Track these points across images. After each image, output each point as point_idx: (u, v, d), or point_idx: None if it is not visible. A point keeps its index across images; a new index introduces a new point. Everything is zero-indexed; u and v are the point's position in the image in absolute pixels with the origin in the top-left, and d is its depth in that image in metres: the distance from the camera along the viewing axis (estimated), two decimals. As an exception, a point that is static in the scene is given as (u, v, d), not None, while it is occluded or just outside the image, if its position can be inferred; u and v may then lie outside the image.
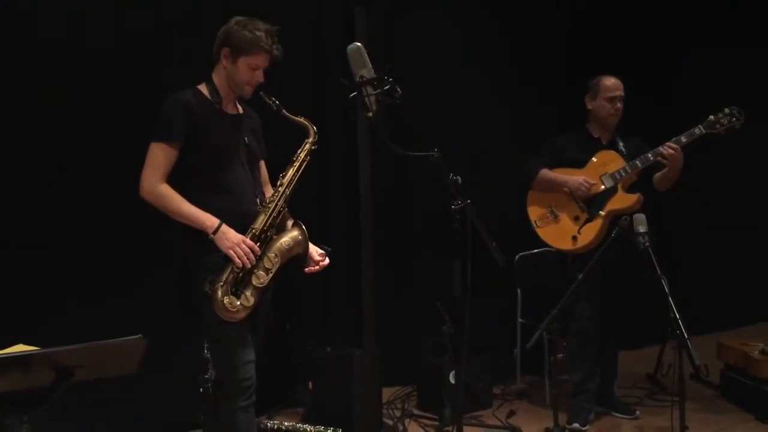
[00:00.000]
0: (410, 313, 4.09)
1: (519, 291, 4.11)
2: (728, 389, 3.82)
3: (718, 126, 3.30)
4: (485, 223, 2.37)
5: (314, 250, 2.57)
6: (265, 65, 2.46)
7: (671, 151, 3.28)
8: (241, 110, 2.58)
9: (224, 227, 2.34)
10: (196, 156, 2.40)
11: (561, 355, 3.62)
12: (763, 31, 5.21)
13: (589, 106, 3.56)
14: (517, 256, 4.12)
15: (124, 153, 3.06)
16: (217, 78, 2.49)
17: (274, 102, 2.50)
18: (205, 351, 2.67)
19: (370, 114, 2.32)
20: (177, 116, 2.38)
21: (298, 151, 2.54)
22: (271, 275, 2.40)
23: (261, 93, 2.50)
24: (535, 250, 4.03)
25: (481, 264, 2.36)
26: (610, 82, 3.50)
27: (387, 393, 3.82)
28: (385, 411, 3.65)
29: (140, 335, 1.74)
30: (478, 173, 3.23)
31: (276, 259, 2.42)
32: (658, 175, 3.45)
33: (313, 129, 2.56)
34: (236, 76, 2.44)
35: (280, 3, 3.70)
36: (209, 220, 2.34)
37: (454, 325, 2.57)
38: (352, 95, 2.33)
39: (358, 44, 2.29)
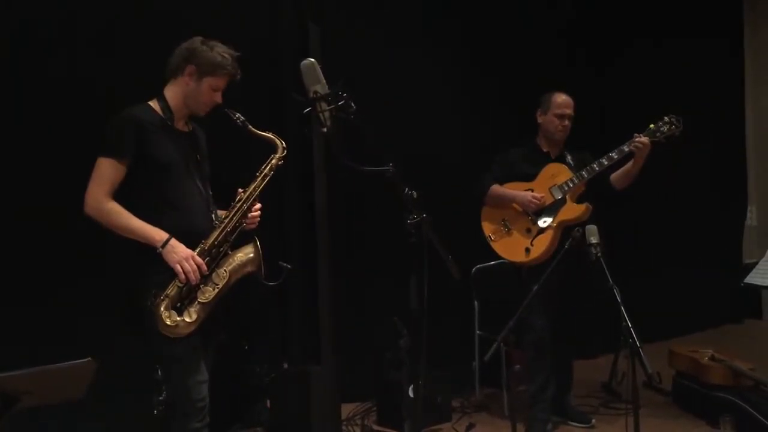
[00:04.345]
0: (368, 328, 4.07)
1: (476, 303, 4.14)
2: (680, 396, 3.91)
3: (658, 134, 3.40)
4: (441, 236, 2.39)
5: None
6: (224, 88, 2.47)
7: (641, 143, 3.33)
8: (190, 128, 2.55)
9: (173, 241, 2.30)
10: (147, 173, 2.36)
11: (518, 366, 3.64)
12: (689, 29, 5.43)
13: (539, 120, 3.63)
14: (473, 269, 4.15)
15: (69, 168, 2.98)
16: (170, 94, 2.47)
17: (239, 119, 2.49)
18: (159, 372, 2.61)
19: (325, 129, 2.32)
20: (127, 132, 2.34)
21: (263, 166, 2.51)
22: (217, 291, 2.36)
23: (226, 110, 2.49)
24: (492, 263, 4.07)
25: (438, 277, 2.37)
26: (561, 99, 3.57)
27: (346, 409, 3.79)
28: (344, 427, 3.62)
29: (89, 358, 1.69)
30: (433, 186, 3.25)
31: (225, 275, 2.38)
32: (618, 172, 3.52)
33: (282, 144, 2.54)
34: (198, 95, 2.44)
35: (234, 19, 3.69)
36: (158, 234, 2.31)
37: (412, 339, 2.55)
38: (306, 111, 2.33)
39: (312, 60, 2.29)
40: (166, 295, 2.28)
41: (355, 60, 4.02)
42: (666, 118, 3.41)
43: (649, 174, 3.50)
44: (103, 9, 3.30)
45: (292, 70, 2.46)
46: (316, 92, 2.26)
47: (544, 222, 3.50)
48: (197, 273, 2.30)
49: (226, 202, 2.52)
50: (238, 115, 2.49)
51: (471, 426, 3.63)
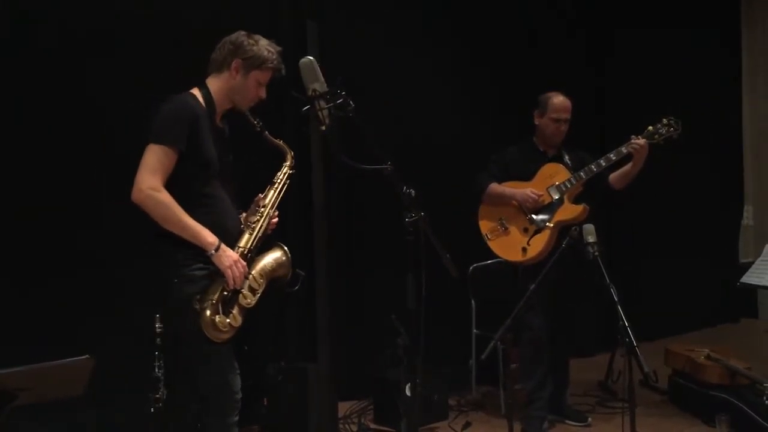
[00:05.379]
0: (365, 326, 4.08)
1: (473, 302, 4.15)
2: (676, 394, 3.92)
3: (656, 136, 3.41)
4: (439, 235, 2.39)
5: None
6: (267, 82, 2.47)
7: (638, 145, 3.34)
8: (223, 125, 2.51)
9: (223, 245, 2.28)
10: (187, 166, 2.30)
11: (515, 365, 3.65)
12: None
13: (536, 122, 3.63)
14: (470, 268, 4.15)
15: (69, 168, 2.99)
16: (214, 86, 2.43)
17: (258, 123, 2.50)
18: (156, 370, 2.61)
19: (323, 127, 2.32)
20: (183, 122, 2.29)
21: (278, 174, 2.55)
22: (258, 296, 2.36)
23: (246, 113, 2.49)
24: (489, 262, 4.07)
25: (436, 276, 2.38)
26: (558, 101, 3.56)
27: (343, 407, 3.80)
28: (341, 426, 3.63)
29: (87, 355, 1.69)
30: (431, 185, 3.26)
31: (262, 281, 2.39)
32: (617, 172, 3.53)
33: (290, 153, 2.58)
34: (245, 89, 2.42)
35: (233, 18, 3.69)
36: (210, 236, 2.27)
37: (410, 337, 2.56)
38: (305, 109, 2.33)
39: (311, 58, 2.30)
40: (214, 299, 2.26)
41: (355, 59, 4.02)
42: (665, 120, 3.41)
43: (646, 174, 3.51)
44: (103, 9, 3.30)
45: (290, 68, 2.46)
46: (314, 90, 2.27)
47: (542, 221, 3.50)
48: (243, 277, 2.30)
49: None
50: (258, 120, 2.50)
51: (467, 424, 3.64)
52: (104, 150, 3.25)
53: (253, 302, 2.34)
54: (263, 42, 2.44)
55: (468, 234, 3.71)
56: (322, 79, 2.27)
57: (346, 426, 3.69)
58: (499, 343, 2.75)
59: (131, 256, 3.20)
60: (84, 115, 3.20)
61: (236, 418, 2.36)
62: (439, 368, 3.78)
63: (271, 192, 2.52)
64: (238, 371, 2.39)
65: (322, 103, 2.27)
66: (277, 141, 2.56)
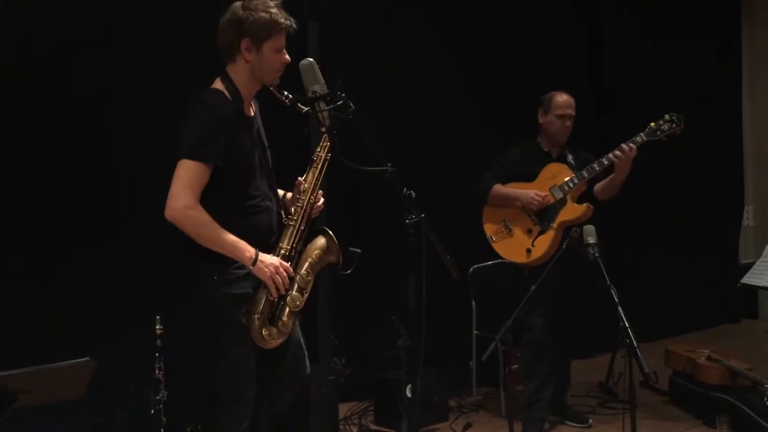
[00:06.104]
0: (366, 327, 4.08)
1: (474, 303, 4.15)
2: (676, 395, 3.92)
3: (659, 132, 3.40)
4: (439, 236, 2.39)
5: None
6: (285, 44, 2.27)
7: (626, 150, 3.33)
8: (253, 110, 2.36)
9: (261, 255, 2.18)
10: (223, 173, 2.20)
11: (515, 366, 3.65)
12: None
13: (541, 121, 3.62)
14: (471, 269, 4.15)
15: (69, 168, 2.99)
16: (235, 75, 2.26)
17: (286, 97, 2.31)
18: (157, 371, 2.60)
19: (324, 129, 2.32)
20: (219, 135, 2.16)
21: (317, 150, 2.35)
22: (306, 295, 2.28)
23: (272, 89, 2.32)
24: (489, 262, 4.07)
25: (436, 277, 2.38)
26: (562, 99, 3.56)
27: (344, 408, 3.79)
28: (341, 427, 3.62)
29: (88, 358, 1.69)
30: (432, 186, 3.25)
31: (309, 278, 2.29)
32: (600, 184, 3.53)
33: (327, 122, 2.32)
34: (265, 64, 2.24)
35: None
36: (247, 251, 2.17)
37: (410, 338, 2.56)
38: (305, 110, 2.33)
39: (311, 60, 2.29)
40: (260, 312, 2.19)
41: (355, 59, 4.02)
42: (667, 116, 3.41)
43: (646, 174, 3.50)
44: (103, 9, 3.30)
45: (291, 69, 2.44)
46: (314, 92, 2.26)
47: (546, 222, 3.50)
48: (287, 281, 2.22)
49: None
50: (286, 93, 2.32)
51: (468, 425, 3.64)
52: (105, 150, 3.25)
53: (302, 303, 2.27)
54: (261, 6, 2.21)
55: (468, 235, 3.71)
56: (323, 80, 2.26)
57: (347, 427, 3.69)
58: (499, 344, 2.75)
59: (132, 256, 3.21)
60: (84, 116, 3.20)
61: (247, 423, 2.31)
62: (440, 369, 3.78)
63: (311, 174, 2.34)
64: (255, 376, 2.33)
65: (323, 105, 2.26)
66: (312, 111, 2.31)
